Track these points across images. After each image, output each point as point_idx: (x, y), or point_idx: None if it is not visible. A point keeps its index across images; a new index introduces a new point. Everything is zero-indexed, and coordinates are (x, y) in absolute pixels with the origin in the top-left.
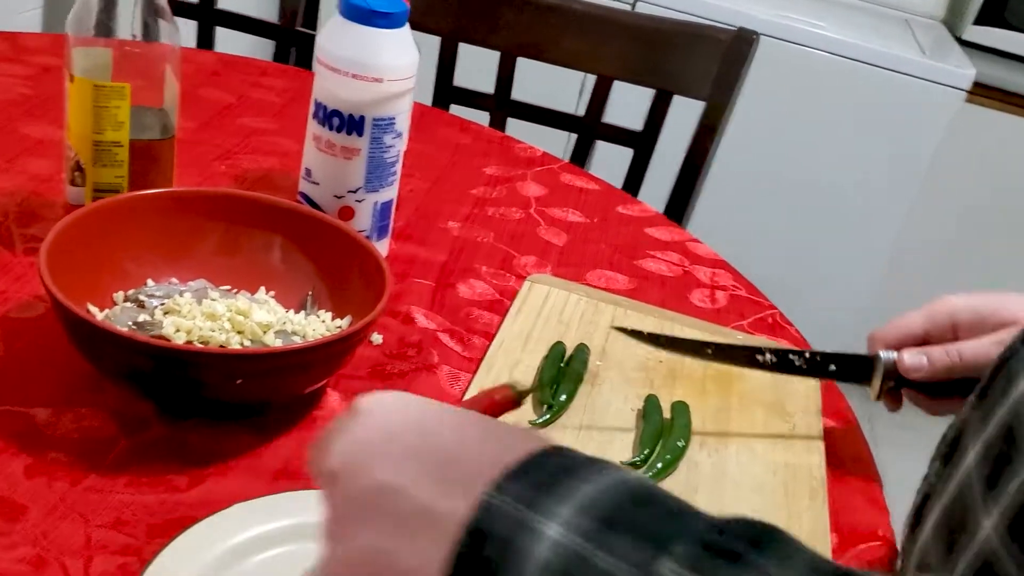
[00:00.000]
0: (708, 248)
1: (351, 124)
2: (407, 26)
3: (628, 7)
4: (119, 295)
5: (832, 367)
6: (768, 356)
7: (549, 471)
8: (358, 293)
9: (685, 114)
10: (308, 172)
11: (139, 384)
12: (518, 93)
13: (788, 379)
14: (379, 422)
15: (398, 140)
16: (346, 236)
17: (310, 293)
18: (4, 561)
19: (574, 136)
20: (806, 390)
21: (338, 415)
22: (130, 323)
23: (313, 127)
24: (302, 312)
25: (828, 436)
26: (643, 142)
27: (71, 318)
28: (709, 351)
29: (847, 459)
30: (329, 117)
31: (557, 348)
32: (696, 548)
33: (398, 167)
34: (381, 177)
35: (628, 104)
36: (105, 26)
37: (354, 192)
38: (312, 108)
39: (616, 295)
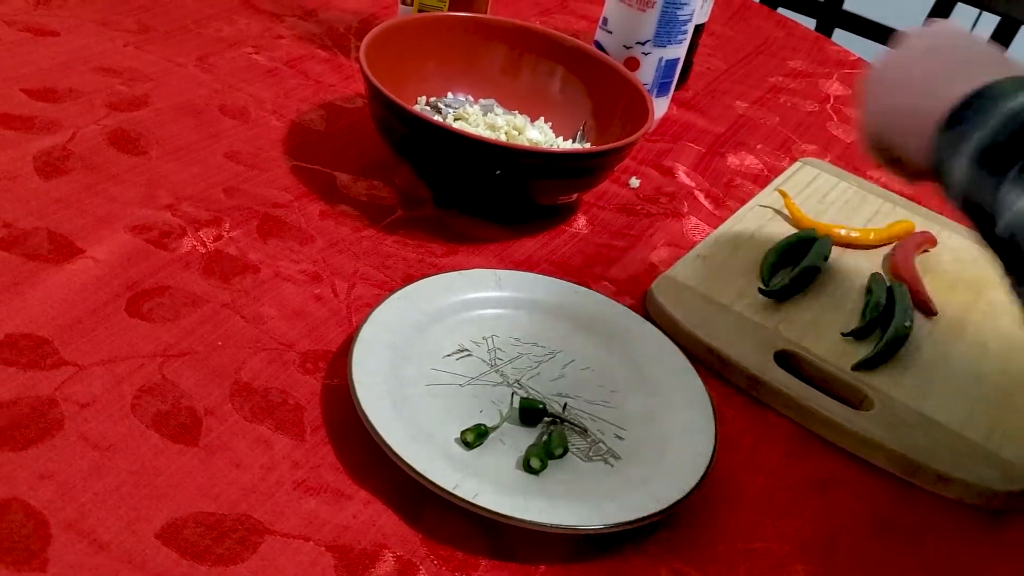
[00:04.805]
0: None
1: None
2: None
3: None
4: (421, 99)
5: None
6: None
7: None
8: (624, 132)
9: None
10: (605, 21)
11: (420, 165)
12: (852, 3)
13: None
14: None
15: None
16: (621, 77)
17: (583, 126)
18: (292, 271)
19: None
20: None
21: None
22: None
23: None
24: (570, 141)
25: None
26: None
27: (376, 94)
28: None
29: None
30: None
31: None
32: None
33: (689, 27)
34: (671, 33)
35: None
36: None
37: (643, 44)
38: None
39: (890, 192)
